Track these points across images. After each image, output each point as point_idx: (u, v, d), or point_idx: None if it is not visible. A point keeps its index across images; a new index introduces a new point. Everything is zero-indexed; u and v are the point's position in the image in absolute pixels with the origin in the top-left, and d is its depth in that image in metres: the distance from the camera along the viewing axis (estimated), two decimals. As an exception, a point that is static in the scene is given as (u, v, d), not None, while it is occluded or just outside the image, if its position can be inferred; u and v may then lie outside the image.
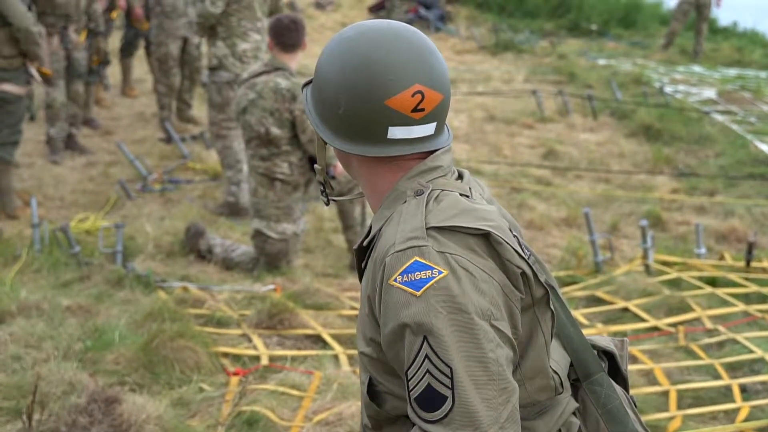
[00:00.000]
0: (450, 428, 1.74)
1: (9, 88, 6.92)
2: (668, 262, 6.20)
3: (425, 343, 1.76)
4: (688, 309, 5.43)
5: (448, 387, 1.74)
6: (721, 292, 5.69)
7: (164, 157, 8.86)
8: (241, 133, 6.23)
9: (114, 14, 9.18)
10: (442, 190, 1.92)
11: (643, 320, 5.32)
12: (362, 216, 6.20)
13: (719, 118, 11.50)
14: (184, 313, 4.98)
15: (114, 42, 11.55)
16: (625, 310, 5.47)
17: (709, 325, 5.23)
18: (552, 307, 1.94)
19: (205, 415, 4.04)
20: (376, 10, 20.28)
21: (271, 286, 5.56)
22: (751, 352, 4.83)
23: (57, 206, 7.38)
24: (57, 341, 4.53)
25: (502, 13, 21.89)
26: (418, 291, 1.77)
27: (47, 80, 7.68)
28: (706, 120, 11.24)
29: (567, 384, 2.04)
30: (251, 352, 4.74)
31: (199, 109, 10.64)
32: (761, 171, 8.96)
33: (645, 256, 6.14)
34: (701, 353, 4.88)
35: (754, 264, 6.08)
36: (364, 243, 2.01)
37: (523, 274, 1.86)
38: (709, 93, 13.23)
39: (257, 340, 4.86)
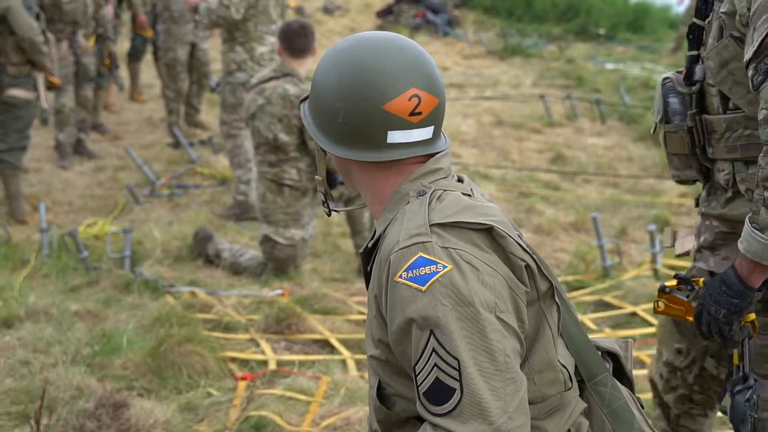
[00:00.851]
0: (459, 420, 1.76)
1: (17, 92, 6.95)
2: (677, 266, 6.18)
3: (432, 337, 1.78)
4: (696, 314, 5.41)
5: (456, 379, 1.76)
6: (729, 296, 5.66)
7: (172, 162, 8.88)
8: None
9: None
10: (444, 190, 1.95)
11: (651, 325, 5.30)
12: (371, 221, 6.20)
13: (728, 122, 11.46)
14: (192, 317, 4.99)
15: (122, 47, 11.57)
16: (634, 314, 5.46)
17: (717, 329, 5.21)
18: (557, 300, 1.96)
19: (213, 420, 4.04)
20: (384, 15, 20.28)
21: (279, 291, 5.56)
22: (760, 356, 4.81)
23: (65, 211, 7.39)
24: (65, 346, 4.53)
25: (509, 18, 21.89)
26: (423, 286, 1.79)
27: (55, 88, 7.70)
28: (715, 124, 11.21)
29: (575, 382, 2.04)
30: (259, 356, 4.74)
31: (207, 114, 10.66)
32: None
33: (653, 261, 6.13)
34: (710, 358, 4.86)
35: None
36: (369, 245, 2.04)
37: (528, 266, 1.89)
38: (718, 97, 13.19)
39: (265, 345, 4.86)
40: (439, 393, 1.78)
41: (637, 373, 4.44)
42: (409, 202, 1.95)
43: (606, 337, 2.25)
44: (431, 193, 1.94)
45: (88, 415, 3.79)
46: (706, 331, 2.60)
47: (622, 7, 21.55)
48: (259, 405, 4.16)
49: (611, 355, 2.19)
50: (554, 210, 7.68)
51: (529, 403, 1.87)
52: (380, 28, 18.68)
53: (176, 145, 9.34)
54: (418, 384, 1.81)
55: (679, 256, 3.12)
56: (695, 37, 2.65)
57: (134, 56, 11.34)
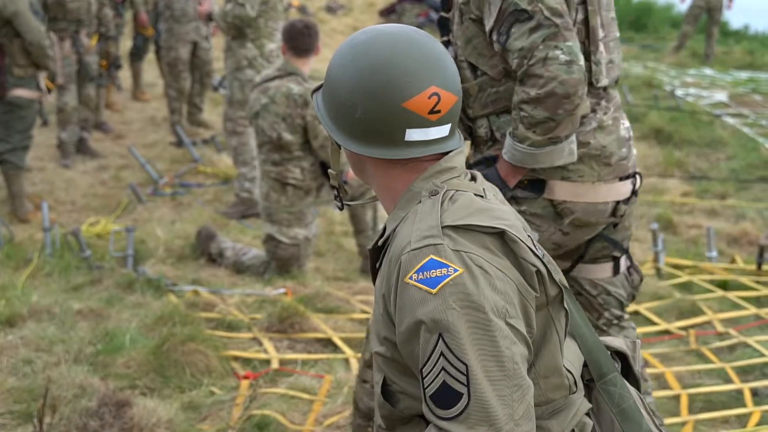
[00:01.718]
0: (466, 425, 1.75)
1: (22, 92, 6.97)
2: (679, 265, 6.18)
3: (440, 341, 1.77)
4: (699, 312, 5.41)
5: (463, 384, 1.75)
6: (732, 295, 5.67)
7: (175, 161, 8.88)
8: (256, 130, 6.25)
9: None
10: (457, 190, 1.93)
11: (654, 323, 5.30)
12: (374, 220, 6.19)
13: (730, 121, 11.47)
14: (195, 316, 4.99)
15: (125, 46, 11.58)
16: (636, 313, 5.46)
17: (720, 328, 5.22)
18: (566, 305, 1.95)
19: (216, 419, 4.04)
20: (387, 14, 20.28)
21: (282, 290, 5.56)
22: (763, 355, 4.81)
23: (68, 210, 7.40)
24: (68, 345, 4.54)
25: (512, 17, 21.84)
26: (433, 288, 1.78)
27: (50, 90, 7.71)
28: (718, 123, 11.22)
29: (580, 384, 2.04)
30: (262, 355, 4.74)
31: (210, 113, 10.67)
32: (773, 174, 8.94)
33: (656, 260, 6.13)
34: (712, 357, 4.86)
35: (765, 267, 6.06)
36: (379, 243, 2.02)
37: (538, 272, 1.87)
38: (721, 96, 13.20)
39: (268, 344, 4.86)
40: (446, 397, 1.78)
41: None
42: (420, 202, 1.93)
43: (615, 337, 2.24)
44: (444, 193, 1.92)
45: (91, 414, 3.79)
46: None
47: (624, 6, 21.49)
48: (262, 404, 4.16)
49: (619, 355, 2.19)
50: (557, 209, 7.66)
51: (534, 406, 1.87)
52: (383, 27, 18.64)
53: (179, 144, 9.35)
54: (425, 386, 1.80)
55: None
56: (443, 26, 3.20)
57: (136, 55, 11.34)
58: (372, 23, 19.48)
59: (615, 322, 3.39)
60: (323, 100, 2.04)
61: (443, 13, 3.21)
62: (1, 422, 3.88)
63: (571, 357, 2.02)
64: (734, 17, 19.24)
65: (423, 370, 1.80)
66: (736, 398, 4.41)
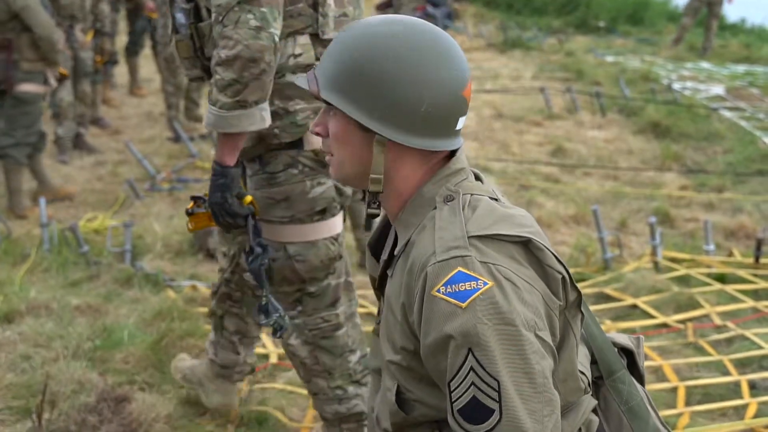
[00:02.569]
0: None
1: (29, 87, 6.99)
2: (677, 258, 6.19)
3: (470, 355, 1.73)
4: (696, 305, 5.42)
5: (495, 400, 1.72)
6: (730, 288, 5.68)
7: (172, 156, 8.87)
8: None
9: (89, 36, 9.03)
10: (472, 195, 1.90)
11: (651, 317, 5.31)
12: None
13: (728, 114, 11.49)
14: (193, 312, 4.99)
15: (121, 41, 11.57)
16: (634, 306, 5.47)
17: (718, 321, 5.22)
18: (582, 309, 1.93)
19: (214, 414, 4.04)
20: (384, 8, 20.25)
21: (280, 285, 5.55)
22: (761, 348, 4.82)
23: (65, 206, 7.39)
24: (66, 340, 4.53)
25: (509, 11, 21.91)
26: (463, 302, 1.74)
27: (65, 78, 7.75)
28: (715, 117, 11.23)
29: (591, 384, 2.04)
30: (260, 350, 4.74)
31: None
32: (770, 167, 8.94)
33: (654, 253, 6.13)
34: (710, 350, 4.87)
35: (763, 260, 6.07)
36: (396, 252, 1.97)
37: (563, 278, 1.85)
38: (718, 90, 13.22)
39: (266, 339, 4.86)
40: (476, 412, 1.75)
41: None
42: (436, 208, 1.89)
43: (619, 333, 2.23)
44: (461, 199, 1.88)
45: (90, 410, 3.80)
46: (222, 221, 3.10)
47: (621, 0, 21.54)
48: (260, 399, 4.16)
49: (625, 351, 2.18)
50: (554, 203, 7.67)
51: None
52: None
53: (176, 139, 9.34)
54: (453, 400, 1.77)
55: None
56: None
57: (132, 51, 11.33)
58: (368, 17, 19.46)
59: None
60: (348, 97, 1.90)
61: None
62: (0, 418, 3.89)
63: (581, 358, 2.01)
64: (731, 10, 19.25)
65: (451, 384, 1.77)
66: (734, 390, 4.42)
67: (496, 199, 1.93)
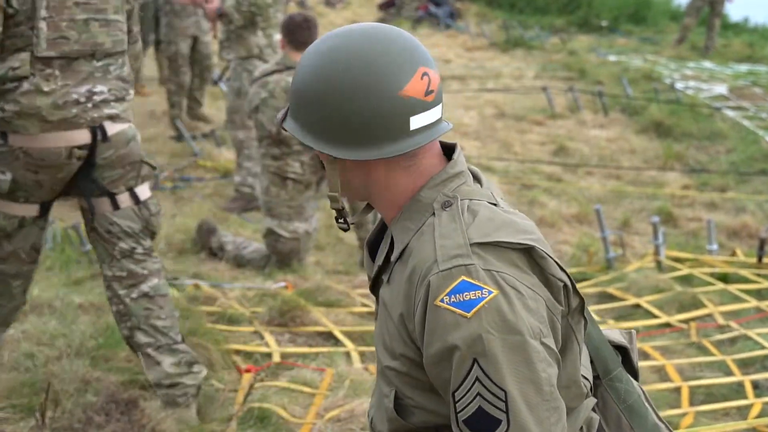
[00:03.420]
0: None
1: None
2: (680, 258, 6.19)
3: (476, 366, 1.72)
4: (699, 305, 5.42)
5: (502, 411, 1.71)
6: (732, 288, 5.68)
7: (175, 155, 8.87)
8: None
9: None
10: (471, 200, 1.87)
11: (654, 317, 5.31)
12: (374, 214, 6.16)
13: (730, 114, 11.48)
14: (196, 310, 4.99)
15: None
16: (637, 306, 5.47)
17: (721, 321, 5.22)
18: (585, 315, 1.91)
19: (217, 412, 4.05)
20: (386, 8, 20.29)
21: (283, 284, 5.57)
22: (764, 348, 4.82)
23: (68, 204, 7.39)
24: (69, 339, 4.53)
25: (512, 10, 21.90)
26: (468, 312, 1.72)
27: None
28: (717, 116, 11.23)
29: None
30: (263, 349, 4.75)
31: (210, 107, 10.66)
32: (773, 167, 8.94)
33: (656, 253, 6.13)
34: (713, 349, 4.87)
35: (766, 260, 6.07)
36: (391, 258, 1.93)
37: (565, 286, 1.83)
38: (720, 89, 13.21)
39: (269, 337, 4.87)
40: (482, 422, 1.73)
41: (642, 364, 4.45)
42: (435, 215, 1.86)
43: (611, 329, 2.22)
44: (459, 204, 1.85)
45: (96, 409, 3.80)
46: None
47: (623, 0, 21.53)
48: (263, 397, 4.16)
49: (620, 348, 2.17)
50: (557, 202, 7.67)
51: None
52: (382, 20, 18.64)
53: (179, 138, 9.34)
54: (458, 410, 1.75)
55: None
56: None
57: (137, 49, 11.31)
58: (371, 17, 19.47)
59: (129, 253, 3.84)
60: (301, 124, 1.90)
61: None
62: (4, 416, 3.89)
63: (584, 361, 2.00)
64: (734, 9, 19.24)
65: (455, 394, 1.75)
66: (737, 390, 4.42)
67: (495, 204, 1.89)
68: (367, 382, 4.28)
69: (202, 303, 5.23)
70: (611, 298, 5.62)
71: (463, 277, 1.73)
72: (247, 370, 4.44)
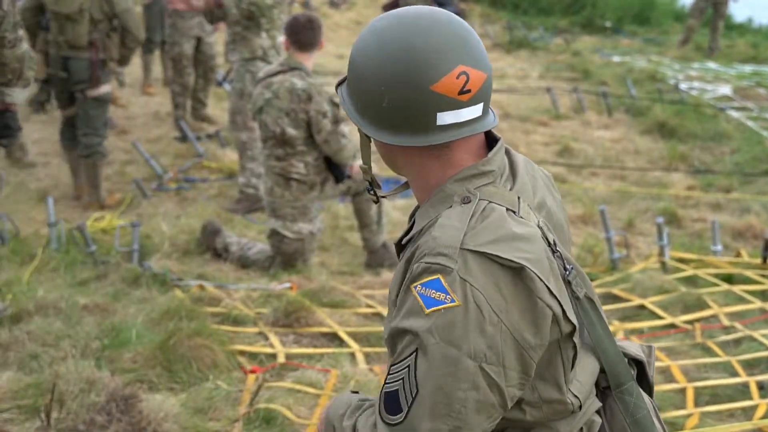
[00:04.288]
0: None
1: (107, 88, 7.41)
2: (684, 259, 6.18)
3: (413, 355, 1.78)
4: (704, 306, 5.41)
5: (407, 404, 1.78)
6: (737, 289, 5.67)
7: (179, 156, 8.88)
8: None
9: None
10: (490, 202, 1.87)
11: (659, 317, 5.31)
12: (378, 215, 6.19)
13: (735, 114, 11.47)
14: (201, 311, 5.00)
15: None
16: (642, 307, 5.46)
17: (725, 322, 5.22)
18: (575, 340, 1.89)
19: (222, 413, 4.05)
20: (390, 8, 20.24)
21: (287, 285, 5.57)
22: (769, 349, 4.82)
23: (73, 205, 7.41)
24: (74, 340, 4.54)
25: (516, 11, 21.89)
26: (427, 309, 1.77)
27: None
28: (722, 117, 11.22)
29: (593, 391, 2.02)
30: (268, 350, 4.75)
31: (214, 108, 10.67)
32: (777, 167, 8.93)
33: (661, 254, 6.13)
34: (718, 350, 4.86)
35: (770, 261, 6.06)
36: (404, 240, 1.99)
37: (554, 314, 1.82)
38: (725, 90, 13.20)
39: (274, 338, 4.87)
40: (392, 403, 1.80)
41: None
42: (451, 206, 1.88)
43: (630, 341, 2.20)
44: (476, 204, 1.85)
45: (99, 409, 3.80)
46: None
47: (627, 0, 21.50)
48: (268, 398, 4.17)
49: (635, 361, 2.16)
50: (561, 203, 7.66)
51: (534, 424, 1.91)
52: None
53: (183, 139, 9.35)
54: (386, 381, 1.82)
55: None
56: None
57: (147, 48, 11.34)
58: (375, 17, 19.46)
59: None
60: (348, 93, 1.96)
61: None
62: (9, 417, 3.90)
63: (584, 376, 1.98)
64: (738, 10, 19.21)
65: (392, 367, 1.82)
66: (742, 391, 4.42)
67: (514, 211, 1.88)
68: (372, 383, 4.28)
69: (206, 304, 5.23)
70: (616, 298, 5.62)
71: (439, 276, 1.77)
72: (252, 371, 4.44)
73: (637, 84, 12.95)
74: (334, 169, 5.99)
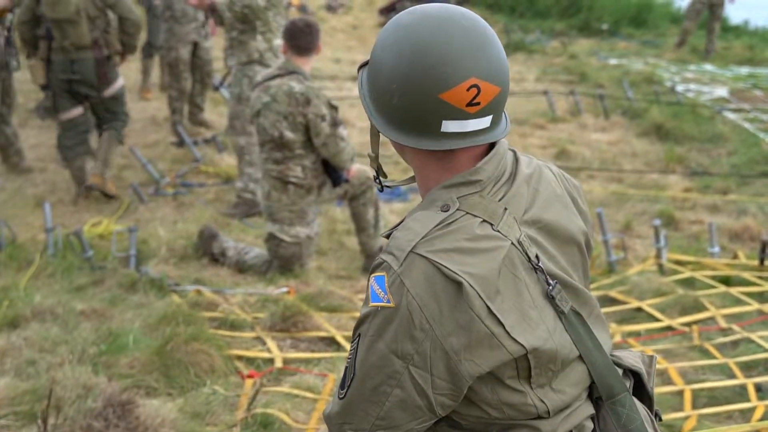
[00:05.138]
0: (340, 410, 1.91)
1: (119, 83, 7.70)
2: (682, 261, 6.18)
3: (357, 340, 1.88)
4: (702, 308, 5.41)
5: (349, 381, 1.89)
6: (735, 291, 5.67)
7: (176, 161, 8.88)
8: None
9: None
10: (466, 213, 1.86)
11: (657, 320, 5.31)
12: (375, 218, 6.19)
13: (731, 116, 11.48)
14: (198, 316, 5.00)
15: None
16: (639, 309, 5.46)
17: (723, 324, 5.22)
18: (529, 360, 1.85)
19: (220, 418, 4.05)
20: (387, 12, 20.24)
21: (285, 289, 5.57)
22: (766, 350, 4.82)
23: (70, 211, 7.40)
24: (71, 345, 4.54)
25: (512, 14, 21.88)
26: (371, 302, 1.84)
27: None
28: (719, 118, 11.23)
29: (583, 394, 2.00)
30: (265, 354, 4.75)
31: (211, 113, 10.66)
32: (774, 169, 8.93)
33: (658, 256, 6.13)
34: (716, 352, 4.86)
35: (767, 263, 6.06)
36: (388, 234, 2.00)
37: (492, 335, 1.80)
38: (721, 91, 13.21)
39: (271, 343, 4.87)
40: (346, 377, 1.91)
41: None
42: (428, 210, 1.89)
43: (631, 351, 2.18)
44: (451, 214, 1.85)
45: (96, 415, 3.80)
46: None
47: (624, 3, 21.51)
48: (265, 403, 4.17)
49: (632, 372, 2.13)
50: (559, 206, 7.66)
51: (514, 423, 1.91)
52: (383, 25, 18.64)
53: (180, 143, 9.34)
54: (348, 356, 1.92)
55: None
56: None
57: (147, 53, 11.32)
58: (372, 22, 19.49)
59: None
60: (367, 80, 1.96)
61: None
62: (6, 423, 3.89)
63: (563, 385, 1.95)
64: (734, 12, 19.22)
65: (351, 345, 1.91)
66: (740, 393, 4.42)
67: (492, 224, 1.86)
68: (369, 387, 4.27)
69: (204, 309, 5.23)
70: (613, 301, 5.62)
71: (384, 274, 1.83)
72: (250, 376, 4.44)
73: (634, 86, 12.96)
74: (331, 172, 5.99)
